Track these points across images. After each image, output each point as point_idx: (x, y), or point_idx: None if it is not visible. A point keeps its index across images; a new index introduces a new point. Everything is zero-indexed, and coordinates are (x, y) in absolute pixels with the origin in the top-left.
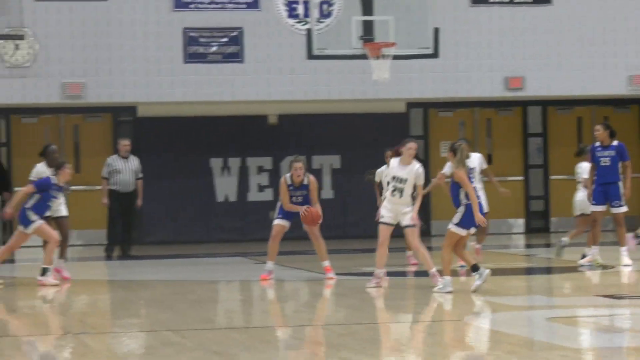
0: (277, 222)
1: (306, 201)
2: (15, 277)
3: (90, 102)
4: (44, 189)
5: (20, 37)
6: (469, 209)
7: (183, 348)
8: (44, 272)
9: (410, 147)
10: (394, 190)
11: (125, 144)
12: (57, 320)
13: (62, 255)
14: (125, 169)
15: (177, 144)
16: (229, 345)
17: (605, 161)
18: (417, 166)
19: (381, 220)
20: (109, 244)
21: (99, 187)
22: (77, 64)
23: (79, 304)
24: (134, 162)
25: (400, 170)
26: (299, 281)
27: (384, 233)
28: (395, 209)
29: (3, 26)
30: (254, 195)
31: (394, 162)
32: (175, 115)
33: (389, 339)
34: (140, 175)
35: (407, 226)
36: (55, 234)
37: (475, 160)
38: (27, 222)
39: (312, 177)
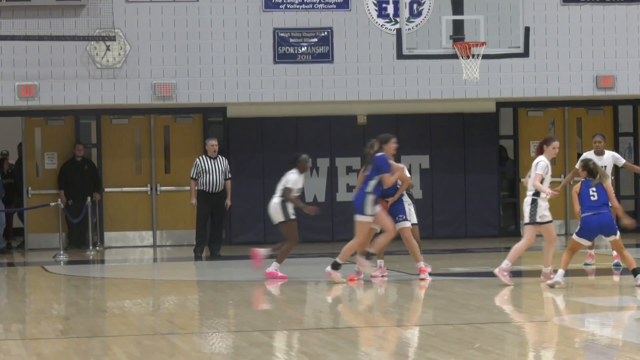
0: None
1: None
2: (104, 277)
3: (181, 103)
4: None
5: (112, 39)
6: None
7: (271, 348)
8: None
9: (555, 145)
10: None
11: (212, 143)
12: (146, 321)
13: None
14: (214, 169)
15: (266, 144)
16: (316, 345)
17: None
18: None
19: (547, 220)
20: (197, 245)
21: (188, 188)
22: (167, 65)
23: (168, 304)
24: (222, 163)
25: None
26: (389, 281)
27: (552, 232)
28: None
29: (94, 27)
30: (342, 196)
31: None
32: (264, 115)
33: (476, 340)
34: (229, 175)
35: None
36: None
37: (608, 158)
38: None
39: None
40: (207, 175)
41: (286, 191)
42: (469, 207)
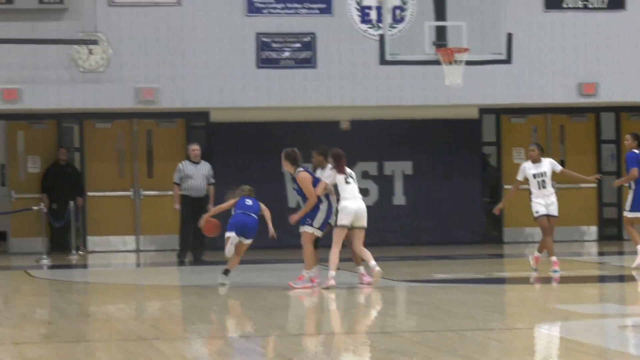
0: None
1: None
2: (88, 282)
3: (164, 107)
4: None
5: (94, 42)
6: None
7: (254, 353)
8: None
9: None
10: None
11: (194, 148)
12: (129, 326)
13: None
14: (197, 174)
15: (249, 149)
16: (298, 351)
17: None
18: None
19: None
20: (181, 250)
21: (171, 193)
22: (150, 69)
23: (151, 309)
24: (205, 168)
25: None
26: (369, 287)
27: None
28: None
29: (77, 31)
30: None
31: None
32: (247, 120)
33: (460, 347)
34: (212, 180)
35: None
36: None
37: (546, 164)
38: None
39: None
40: (190, 180)
41: None
42: (452, 214)
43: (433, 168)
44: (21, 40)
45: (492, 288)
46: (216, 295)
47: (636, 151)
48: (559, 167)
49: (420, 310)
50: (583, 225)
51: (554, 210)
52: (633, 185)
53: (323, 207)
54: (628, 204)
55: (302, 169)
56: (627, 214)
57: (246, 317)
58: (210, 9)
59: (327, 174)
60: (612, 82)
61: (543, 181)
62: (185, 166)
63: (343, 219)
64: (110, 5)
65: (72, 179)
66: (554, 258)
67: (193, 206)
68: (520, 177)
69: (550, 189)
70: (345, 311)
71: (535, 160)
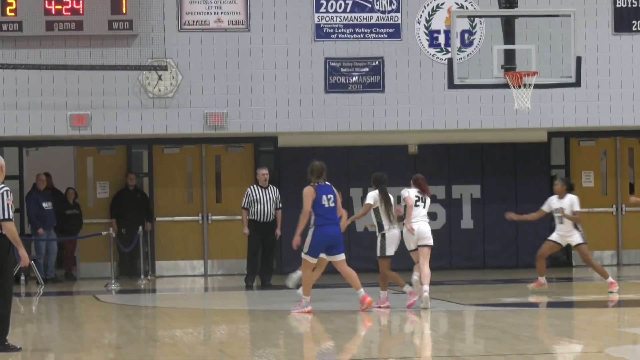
0: None
1: None
2: (156, 307)
3: (232, 132)
4: None
5: (164, 68)
6: None
7: None
8: None
9: None
10: None
11: (263, 172)
12: (197, 350)
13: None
14: (264, 198)
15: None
16: None
17: None
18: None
19: None
20: (249, 274)
21: (239, 217)
22: (219, 94)
23: (219, 333)
24: (273, 192)
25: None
26: (437, 311)
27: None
28: None
29: (146, 57)
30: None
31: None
32: (315, 145)
33: None
34: (280, 205)
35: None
36: None
37: (567, 201)
38: None
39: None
40: (258, 205)
41: None
42: (520, 237)
43: (501, 191)
44: (91, 67)
45: (561, 312)
46: (283, 319)
47: None
48: (576, 208)
49: (488, 334)
50: None
51: (573, 241)
52: None
53: (311, 231)
54: None
55: (312, 184)
56: None
57: (313, 342)
58: (279, 35)
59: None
60: None
61: (560, 217)
62: (254, 191)
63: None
64: (179, 31)
65: (141, 204)
66: (609, 279)
67: (261, 231)
68: (545, 208)
69: (568, 226)
70: (413, 335)
71: (560, 195)
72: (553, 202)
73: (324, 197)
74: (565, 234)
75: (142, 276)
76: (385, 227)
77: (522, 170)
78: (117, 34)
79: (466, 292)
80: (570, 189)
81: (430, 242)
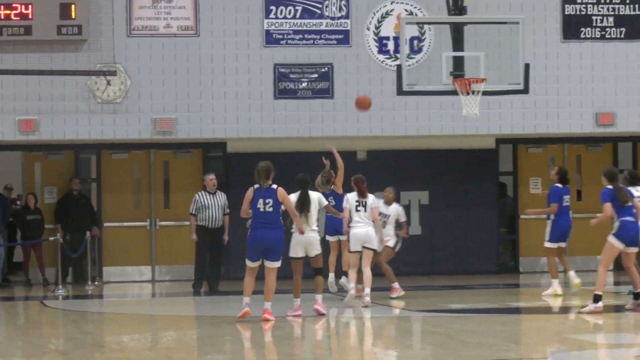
0: None
1: None
2: (103, 312)
3: (181, 138)
4: None
5: (112, 73)
6: None
7: None
8: None
9: None
10: None
11: (211, 178)
12: (144, 356)
13: None
14: (213, 204)
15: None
16: None
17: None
18: None
19: None
20: (196, 280)
21: (187, 223)
22: (168, 100)
23: (166, 339)
24: (221, 198)
25: None
26: (384, 318)
27: None
28: None
29: (95, 62)
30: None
31: None
32: (264, 150)
33: None
34: (227, 210)
35: None
36: None
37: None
38: None
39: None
40: (207, 211)
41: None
42: (468, 244)
43: (449, 198)
44: (39, 72)
45: (508, 318)
46: (231, 325)
47: (560, 185)
48: (402, 219)
49: (436, 340)
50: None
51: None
52: (552, 216)
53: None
54: (547, 234)
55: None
56: (547, 244)
57: (259, 347)
58: (228, 40)
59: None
60: (630, 112)
61: (384, 222)
62: (202, 197)
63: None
64: (128, 37)
65: (85, 209)
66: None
67: (209, 236)
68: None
69: (390, 231)
70: (360, 341)
71: (388, 203)
72: (381, 208)
73: (260, 200)
74: (385, 237)
75: (90, 282)
76: (293, 228)
77: (470, 176)
78: (66, 39)
79: (414, 298)
80: None
81: (373, 245)
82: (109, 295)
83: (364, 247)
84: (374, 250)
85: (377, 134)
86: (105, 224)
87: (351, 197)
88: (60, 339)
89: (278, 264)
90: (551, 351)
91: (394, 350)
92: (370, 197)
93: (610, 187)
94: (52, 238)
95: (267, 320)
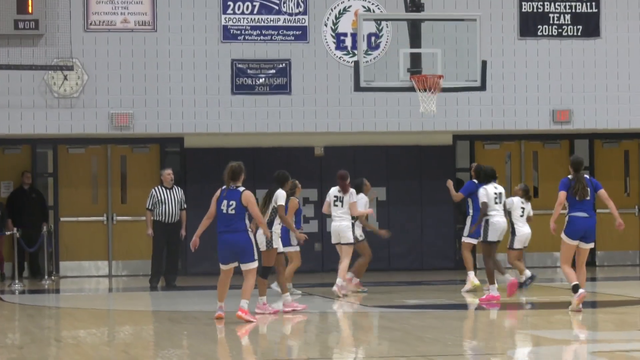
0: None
1: None
2: (59, 307)
3: (138, 133)
4: None
5: (69, 68)
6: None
7: None
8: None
9: None
10: None
11: (168, 172)
12: (100, 351)
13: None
14: (170, 199)
15: (223, 175)
16: None
17: None
18: None
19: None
20: (153, 275)
21: (144, 218)
22: (125, 95)
23: (123, 334)
24: (178, 193)
25: None
26: (341, 313)
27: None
28: None
29: (52, 57)
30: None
31: None
32: (222, 146)
33: None
34: (184, 205)
35: None
36: None
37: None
38: None
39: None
40: (163, 206)
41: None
42: (425, 240)
43: (406, 194)
44: None
45: (464, 314)
46: (188, 320)
47: (475, 182)
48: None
49: (393, 336)
50: (556, 252)
51: None
52: (471, 212)
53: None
54: (466, 230)
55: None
56: (465, 240)
57: (216, 343)
58: (186, 36)
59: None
60: (586, 110)
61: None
62: (158, 192)
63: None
64: (85, 31)
65: (36, 204)
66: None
67: (166, 232)
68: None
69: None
70: (316, 336)
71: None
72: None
73: (224, 202)
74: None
75: (46, 276)
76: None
77: (427, 173)
78: (22, 34)
79: (371, 294)
80: None
81: (345, 240)
82: (66, 290)
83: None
84: (351, 244)
85: (335, 130)
86: (62, 219)
87: (331, 192)
88: (17, 333)
89: (254, 264)
90: (508, 348)
91: (351, 346)
92: (349, 193)
93: (570, 177)
94: (8, 232)
95: (240, 317)
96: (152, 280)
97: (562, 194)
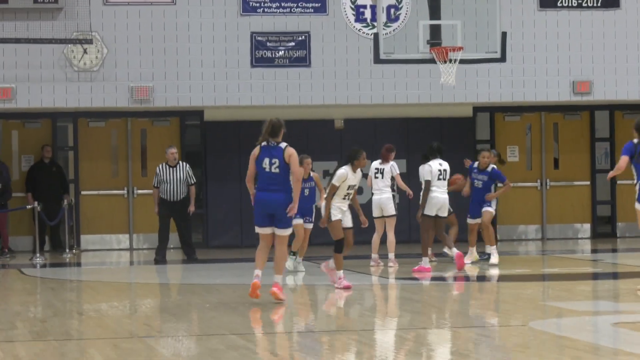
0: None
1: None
2: (81, 280)
3: (158, 107)
4: None
5: (89, 42)
6: None
7: (248, 351)
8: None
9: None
10: None
11: (172, 151)
12: (122, 324)
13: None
14: (173, 178)
15: (243, 148)
16: (292, 349)
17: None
18: None
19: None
20: (157, 249)
21: None
22: (144, 68)
23: (145, 307)
24: (182, 171)
25: None
26: (362, 285)
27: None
28: None
29: (72, 30)
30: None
31: None
32: (241, 119)
33: (454, 344)
34: (193, 181)
35: None
36: None
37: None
38: None
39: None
40: (167, 185)
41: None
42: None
43: None
44: (16, 40)
45: (486, 285)
46: (210, 293)
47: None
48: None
49: (414, 308)
50: (577, 223)
51: None
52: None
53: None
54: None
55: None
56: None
57: (238, 315)
58: (205, 8)
59: None
60: (606, 81)
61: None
62: (162, 170)
63: None
64: (105, 5)
65: (56, 177)
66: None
67: (170, 209)
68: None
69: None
70: (338, 309)
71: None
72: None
73: (266, 160)
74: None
75: (67, 250)
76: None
77: (447, 145)
78: (42, 7)
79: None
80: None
81: (389, 212)
82: (87, 263)
83: (382, 215)
84: (394, 216)
85: (354, 102)
86: (83, 192)
87: (373, 165)
88: (39, 307)
89: (288, 231)
90: (529, 319)
91: (371, 318)
92: (389, 165)
93: (635, 141)
94: (29, 206)
95: (274, 294)
96: (156, 253)
97: (624, 159)
